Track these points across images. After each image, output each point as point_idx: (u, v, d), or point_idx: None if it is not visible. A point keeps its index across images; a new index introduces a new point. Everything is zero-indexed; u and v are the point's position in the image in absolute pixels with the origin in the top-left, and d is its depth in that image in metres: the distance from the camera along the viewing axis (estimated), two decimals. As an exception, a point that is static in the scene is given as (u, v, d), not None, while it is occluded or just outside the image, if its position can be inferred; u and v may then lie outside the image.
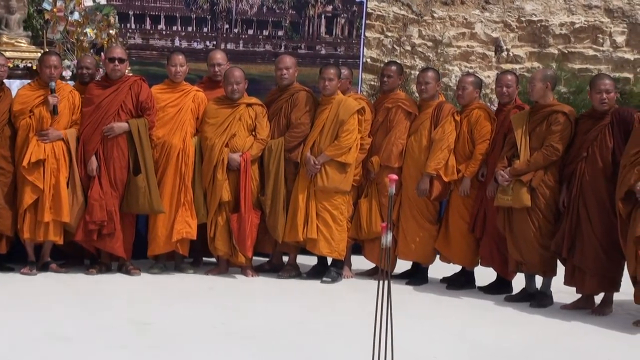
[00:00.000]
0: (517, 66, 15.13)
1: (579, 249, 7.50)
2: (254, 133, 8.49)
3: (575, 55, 15.65)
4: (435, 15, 15.67)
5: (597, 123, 7.55)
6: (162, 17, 12.66)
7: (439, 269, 8.65)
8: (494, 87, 10.78)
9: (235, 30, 12.61)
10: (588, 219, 7.47)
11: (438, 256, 8.63)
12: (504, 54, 15.67)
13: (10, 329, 6.26)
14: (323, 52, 12.89)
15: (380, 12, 15.39)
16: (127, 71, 8.66)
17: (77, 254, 8.54)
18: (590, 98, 7.71)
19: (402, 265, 8.74)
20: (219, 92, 8.65)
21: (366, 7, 13.19)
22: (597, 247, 7.42)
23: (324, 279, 8.45)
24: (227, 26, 12.61)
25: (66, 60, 9.64)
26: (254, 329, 6.56)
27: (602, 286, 7.58)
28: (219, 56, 8.94)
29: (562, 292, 7.81)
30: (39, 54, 9.75)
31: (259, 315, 7.01)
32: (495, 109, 8.60)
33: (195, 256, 8.88)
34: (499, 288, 8.22)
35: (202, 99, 8.58)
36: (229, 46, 12.42)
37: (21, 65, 9.92)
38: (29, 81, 8.67)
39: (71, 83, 8.96)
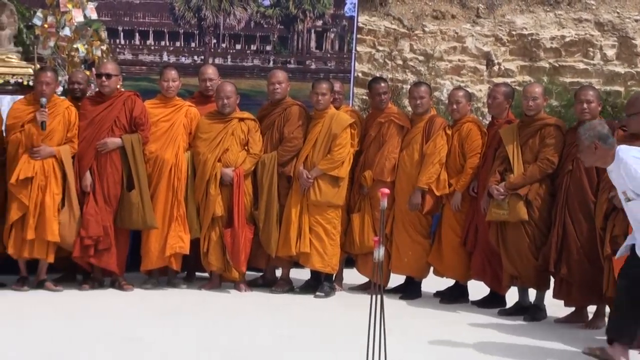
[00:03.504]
0: (508, 79, 15.14)
1: (565, 262, 7.50)
2: (246, 148, 8.48)
3: (566, 69, 15.69)
4: (426, 29, 15.69)
5: None
6: (150, 32, 12.66)
7: (433, 283, 8.64)
8: (485, 100, 10.79)
9: (223, 45, 12.61)
10: (574, 231, 7.47)
11: (431, 270, 8.63)
12: (496, 67, 15.70)
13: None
14: (313, 66, 12.89)
15: (371, 26, 15.42)
16: (119, 86, 8.64)
17: (70, 269, 8.49)
18: (574, 110, 7.75)
19: (396, 280, 8.73)
20: (211, 107, 8.65)
21: (357, 21, 13.19)
22: (583, 259, 7.43)
23: (317, 293, 8.43)
24: (214, 41, 12.61)
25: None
26: (246, 344, 6.53)
27: (589, 299, 7.58)
28: (211, 71, 8.94)
29: (556, 305, 7.80)
30: (30, 70, 9.74)
31: (251, 331, 6.98)
32: (487, 122, 8.61)
33: (189, 271, 8.86)
34: (493, 302, 8.21)
35: (195, 114, 8.56)
36: (217, 61, 12.42)
37: (12, 81, 9.87)
38: (20, 97, 8.62)
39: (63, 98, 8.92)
